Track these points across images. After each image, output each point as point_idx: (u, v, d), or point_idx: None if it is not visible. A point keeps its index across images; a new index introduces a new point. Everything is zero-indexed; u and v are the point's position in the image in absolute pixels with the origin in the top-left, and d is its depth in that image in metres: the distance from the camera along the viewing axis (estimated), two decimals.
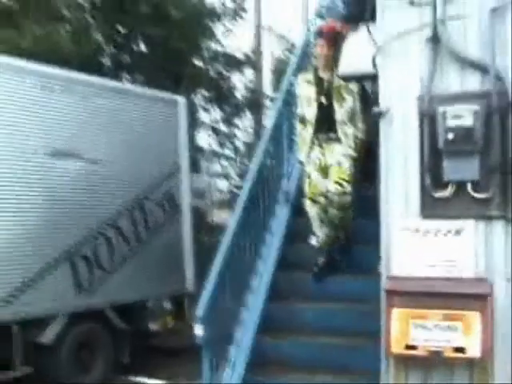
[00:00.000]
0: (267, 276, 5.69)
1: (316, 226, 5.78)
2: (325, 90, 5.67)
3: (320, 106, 5.68)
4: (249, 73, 15.98)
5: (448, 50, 3.25)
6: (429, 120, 3.23)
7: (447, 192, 3.23)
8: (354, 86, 5.59)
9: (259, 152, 6.07)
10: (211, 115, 15.32)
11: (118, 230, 8.55)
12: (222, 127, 15.71)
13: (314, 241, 5.79)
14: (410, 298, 3.19)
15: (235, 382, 5.10)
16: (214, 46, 14.33)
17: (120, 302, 8.43)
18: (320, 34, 5.75)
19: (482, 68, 3.19)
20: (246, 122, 16.28)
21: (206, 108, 15.03)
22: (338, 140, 5.58)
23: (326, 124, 5.65)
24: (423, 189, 3.27)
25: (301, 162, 5.85)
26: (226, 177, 15.86)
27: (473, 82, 3.23)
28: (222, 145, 15.85)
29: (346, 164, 5.54)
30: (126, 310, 8.59)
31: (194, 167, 13.83)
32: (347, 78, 5.01)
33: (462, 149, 3.14)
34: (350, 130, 5.61)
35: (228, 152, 16.11)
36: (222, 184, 15.12)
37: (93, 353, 8.15)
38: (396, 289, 3.25)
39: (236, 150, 16.44)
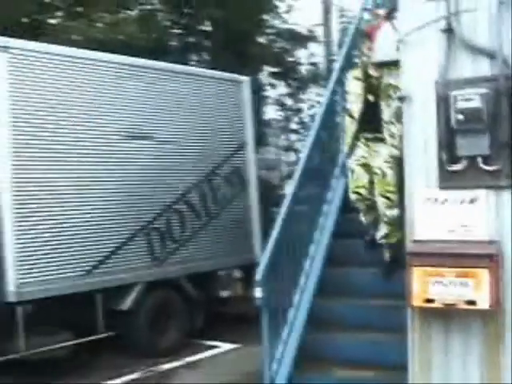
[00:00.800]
0: (323, 243, 6.23)
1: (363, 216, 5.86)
2: (373, 87, 5.71)
3: (367, 103, 5.76)
4: (313, 47, 16.32)
5: (461, 40, 3.71)
6: (444, 103, 3.71)
7: (461, 166, 3.71)
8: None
9: (315, 125, 6.48)
10: (277, 90, 15.77)
11: (189, 205, 9.29)
12: (289, 102, 16.16)
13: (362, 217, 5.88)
14: (429, 259, 3.71)
15: (293, 341, 5.72)
16: (277, 22, 14.76)
17: (193, 271, 9.20)
18: (367, 35, 5.87)
19: (490, 55, 3.64)
20: (311, 95, 16.66)
21: (272, 84, 15.51)
22: (383, 140, 5.63)
23: (372, 123, 5.71)
24: (440, 163, 3.76)
25: (346, 154, 5.96)
26: (294, 150, 16.33)
27: (483, 68, 3.68)
28: (288, 119, 16.30)
29: (389, 172, 5.53)
30: (198, 278, 9.33)
31: (263, 141, 14.43)
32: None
33: (472, 127, 3.61)
34: (396, 130, 5.54)
35: (295, 126, 16.56)
36: (290, 157, 15.60)
37: (168, 318, 9.03)
38: (417, 251, 3.78)
39: (302, 123, 16.86)
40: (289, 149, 15.83)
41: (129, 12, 11.85)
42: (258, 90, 12.90)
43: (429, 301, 3.68)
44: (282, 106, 15.81)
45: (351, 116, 5.86)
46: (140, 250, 8.59)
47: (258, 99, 13.22)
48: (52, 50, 7.98)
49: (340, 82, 6.62)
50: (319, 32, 15.92)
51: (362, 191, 5.72)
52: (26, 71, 7.58)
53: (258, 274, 5.31)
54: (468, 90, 3.62)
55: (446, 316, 3.76)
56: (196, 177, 9.43)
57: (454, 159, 3.73)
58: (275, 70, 14.90)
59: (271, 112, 15.72)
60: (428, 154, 3.82)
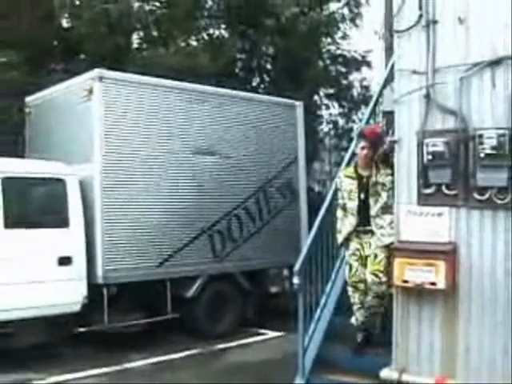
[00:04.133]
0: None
1: (356, 309, 6.79)
2: (364, 185, 6.62)
3: (360, 200, 6.62)
4: (365, 71, 18.07)
5: (435, 103, 5.60)
6: (421, 146, 5.60)
7: (431, 190, 5.58)
8: (389, 182, 6.46)
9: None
10: (331, 111, 17.57)
11: (246, 212, 11.12)
12: (341, 121, 17.92)
13: (353, 320, 6.87)
14: (407, 253, 5.59)
15: (323, 321, 7.47)
16: (333, 48, 16.59)
17: (247, 268, 11.00)
18: (362, 136, 6.80)
19: (454, 113, 5.51)
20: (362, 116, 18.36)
21: (326, 105, 17.34)
22: (372, 232, 6.51)
23: (364, 218, 6.59)
24: (418, 187, 5.64)
25: (341, 245, 6.86)
26: None
27: (449, 123, 5.54)
28: (340, 137, 18.06)
29: (382, 255, 6.44)
30: (252, 275, 11.13)
31: (316, 157, 16.26)
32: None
33: (438, 164, 5.49)
34: (383, 222, 6.45)
35: (346, 143, 18.28)
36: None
37: (224, 307, 10.73)
38: (399, 247, 5.68)
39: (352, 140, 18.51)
40: (340, 164, 17.46)
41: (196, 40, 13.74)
42: (313, 111, 14.68)
43: (405, 281, 5.57)
44: (334, 125, 17.60)
45: (344, 209, 6.76)
46: (204, 248, 10.55)
47: (314, 119, 15.02)
48: (137, 80, 10.02)
49: None
50: (371, 57, 17.69)
51: (360, 285, 6.64)
52: (115, 98, 9.63)
53: (297, 265, 6.91)
54: (436, 138, 5.50)
55: (419, 293, 5.63)
56: (253, 187, 11.35)
57: (427, 185, 5.60)
58: (330, 91, 16.73)
59: (325, 131, 17.46)
60: (410, 181, 5.71)
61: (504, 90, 5.28)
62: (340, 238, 6.82)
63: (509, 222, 5.27)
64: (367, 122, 8.19)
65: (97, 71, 9.55)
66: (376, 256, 6.52)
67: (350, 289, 6.82)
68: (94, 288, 9.36)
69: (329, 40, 16.32)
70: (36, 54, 13.11)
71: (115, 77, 9.81)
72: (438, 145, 5.48)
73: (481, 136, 5.30)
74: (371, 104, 8.04)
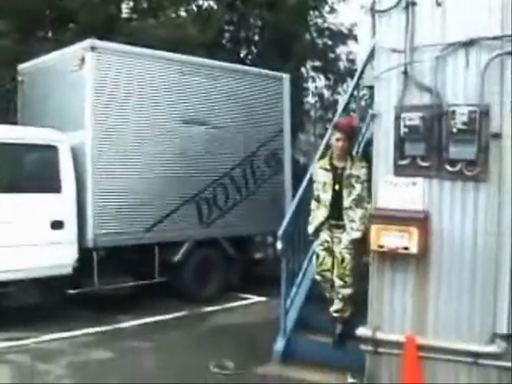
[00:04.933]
0: None
1: (328, 297, 7.06)
2: (338, 177, 6.76)
3: (334, 192, 6.78)
4: (352, 45, 18.43)
5: (412, 80, 6.01)
6: (398, 120, 6.02)
7: (407, 161, 6.01)
8: (363, 174, 6.69)
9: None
10: (317, 83, 17.95)
11: (232, 180, 11.55)
12: (326, 93, 18.31)
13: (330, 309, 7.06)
14: (383, 219, 6.02)
15: (306, 283, 7.82)
16: (320, 21, 16.94)
17: (232, 234, 11.46)
18: (337, 127, 6.96)
19: (429, 90, 5.93)
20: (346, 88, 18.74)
21: (312, 77, 17.71)
22: (344, 227, 6.72)
23: (336, 210, 6.78)
24: (395, 159, 6.08)
25: (310, 235, 7.05)
26: None
27: (425, 99, 5.96)
28: (326, 109, 18.46)
29: (348, 257, 6.72)
30: (237, 241, 11.57)
31: (301, 129, 16.65)
32: None
33: (414, 137, 5.92)
34: (355, 215, 6.66)
35: (331, 116, 18.71)
36: None
37: (210, 272, 11.20)
38: (376, 214, 6.11)
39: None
40: (323, 136, 17.90)
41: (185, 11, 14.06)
42: (300, 83, 15.03)
43: (380, 246, 6.03)
44: (320, 97, 17.97)
45: (318, 200, 6.93)
46: (190, 214, 11.00)
47: (300, 90, 15.37)
48: (128, 50, 10.36)
49: None
50: (358, 31, 18.07)
51: (327, 274, 6.91)
52: (107, 68, 9.95)
53: (280, 230, 7.39)
54: (413, 113, 5.93)
55: (393, 259, 6.09)
56: (240, 157, 11.77)
57: (403, 157, 6.03)
58: (316, 64, 17.08)
59: (311, 102, 17.86)
60: (388, 153, 6.13)
61: (476, 69, 5.72)
62: (311, 228, 7.01)
63: (477, 192, 5.73)
64: (351, 96, 8.60)
65: (89, 41, 9.87)
66: (343, 260, 6.78)
67: (317, 277, 7.09)
68: (84, 251, 9.78)
69: (316, 13, 16.66)
70: (27, 22, 13.36)
71: (107, 47, 10.14)
72: (414, 119, 5.90)
73: (453, 112, 5.74)
74: (354, 80, 8.44)
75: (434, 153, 5.91)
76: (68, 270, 9.57)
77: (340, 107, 8.65)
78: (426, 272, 6.00)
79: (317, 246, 7.01)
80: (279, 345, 7.43)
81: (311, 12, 16.26)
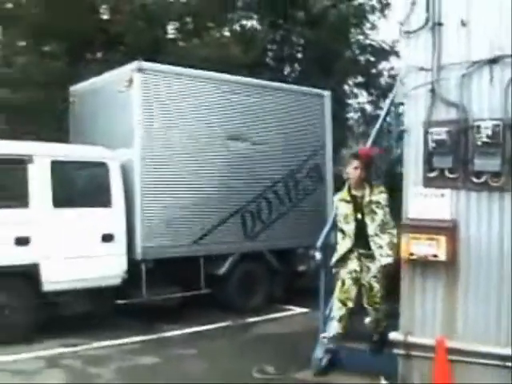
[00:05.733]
0: None
1: (335, 320, 7.22)
2: (359, 205, 6.93)
3: (357, 221, 6.94)
4: (393, 60, 18.74)
5: (439, 96, 6.41)
6: (426, 135, 6.42)
7: (435, 173, 6.40)
8: (383, 199, 6.92)
9: None
10: (359, 99, 18.29)
11: (275, 194, 11.97)
12: (369, 109, 18.63)
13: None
14: (414, 229, 6.41)
15: None
16: (362, 38, 17.30)
17: (276, 247, 11.86)
18: (356, 156, 7.14)
19: (456, 106, 6.32)
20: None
21: (355, 93, 18.08)
22: (373, 256, 6.87)
23: (362, 239, 6.92)
24: (424, 172, 6.47)
25: (332, 265, 7.22)
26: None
27: (451, 114, 6.35)
28: (368, 124, 18.77)
29: (377, 286, 6.93)
30: (280, 254, 11.96)
31: (344, 144, 17.03)
32: None
33: (441, 151, 6.31)
34: (382, 241, 6.83)
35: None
36: None
37: (254, 284, 11.60)
38: (407, 224, 6.51)
39: None
40: None
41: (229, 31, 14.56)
42: (342, 99, 15.41)
43: (411, 254, 6.41)
44: (362, 112, 18.30)
45: (342, 232, 7.09)
46: (235, 228, 11.48)
47: (343, 107, 15.76)
48: (174, 71, 10.94)
49: None
50: (399, 47, 18.32)
51: (349, 303, 7.06)
52: (154, 88, 10.54)
53: (318, 242, 7.79)
54: (440, 128, 6.32)
55: (423, 265, 6.46)
56: (283, 172, 12.20)
57: (431, 169, 6.42)
58: (359, 80, 17.45)
59: (354, 118, 18.18)
60: (417, 166, 6.54)
61: (499, 85, 6.08)
62: (334, 258, 7.20)
63: (502, 201, 6.08)
64: (384, 120, 8.92)
65: (136, 63, 10.46)
66: (371, 288, 6.99)
67: (337, 303, 7.18)
68: (133, 263, 10.35)
69: (358, 30, 17.07)
70: (77, 45, 14.08)
71: (153, 68, 10.73)
72: (441, 134, 6.30)
73: (478, 126, 6.12)
74: (390, 97, 8.84)
75: (460, 165, 6.28)
76: (117, 281, 10.14)
77: (378, 123, 8.87)
78: (455, 278, 6.35)
79: (345, 274, 7.10)
80: (318, 352, 7.74)
81: (352, 29, 16.68)
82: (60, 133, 12.32)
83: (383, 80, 18.36)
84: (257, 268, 11.83)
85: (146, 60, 10.78)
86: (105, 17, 14.94)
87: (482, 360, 6.15)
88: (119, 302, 10.37)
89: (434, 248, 6.28)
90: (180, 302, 11.51)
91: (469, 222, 6.29)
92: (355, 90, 18.06)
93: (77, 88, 12.01)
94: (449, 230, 6.27)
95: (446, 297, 6.41)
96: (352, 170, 7.06)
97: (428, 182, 6.48)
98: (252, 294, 11.74)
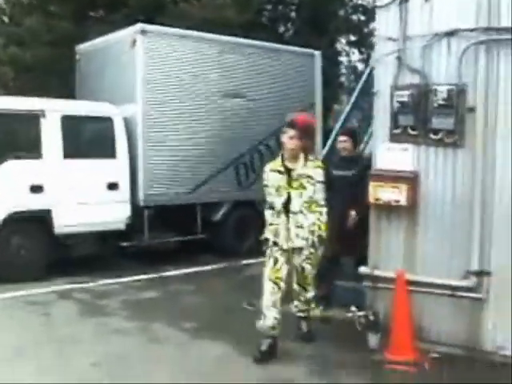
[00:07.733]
0: None
1: (265, 308, 6.86)
2: (292, 179, 6.49)
3: (289, 195, 6.54)
4: None
5: (404, 63, 7.48)
6: (392, 97, 7.50)
7: (399, 130, 7.49)
8: (318, 174, 6.69)
9: None
10: (351, 57, 19.15)
11: (267, 147, 13.04)
12: (360, 66, 19.49)
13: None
14: (379, 178, 7.51)
15: None
16: None
17: None
18: (292, 125, 6.66)
19: (418, 72, 7.39)
20: None
21: (347, 51, 18.95)
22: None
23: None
24: (390, 129, 7.57)
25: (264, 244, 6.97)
26: (361, 108, 19.79)
27: (414, 79, 7.42)
28: (358, 81, 19.66)
29: (308, 268, 6.77)
30: None
31: (336, 100, 17.99)
32: None
33: (404, 111, 7.40)
34: (306, 220, 6.54)
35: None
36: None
37: (247, 229, 12.60)
38: (374, 174, 7.62)
39: None
40: (357, 107, 19.23)
41: None
42: (334, 56, 16.25)
43: (377, 199, 7.55)
44: (354, 70, 19.17)
45: (272, 207, 6.74)
46: (230, 178, 12.65)
47: (334, 64, 16.64)
48: (174, 32, 11.98)
49: None
50: None
51: (281, 283, 6.73)
52: (155, 48, 11.57)
53: None
54: (404, 91, 7.40)
55: (388, 209, 7.60)
56: (274, 126, 13.10)
57: (396, 127, 7.51)
58: (351, 39, 18.29)
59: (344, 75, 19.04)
60: (385, 124, 7.63)
61: (455, 55, 7.13)
62: (266, 234, 6.96)
63: (455, 155, 7.18)
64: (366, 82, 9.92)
65: (139, 25, 11.48)
66: (303, 269, 6.83)
67: (269, 285, 6.68)
68: (136, 210, 11.52)
69: None
70: (82, 6, 14.99)
71: (155, 30, 11.77)
72: (405, 96, 7.37)
73: (436, 90, 7.18)
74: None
75: (420, 123, 7.35)
76: (122, 226, 11.32)
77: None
78: (415, 221, 7.47)
79: (276, 251, 6.79)
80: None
81: None
82: (66, 89, 13.27)
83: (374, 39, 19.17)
84: (249, 215, 12.83)
85: (147, 21, 11.74)
86: None
87: (437, 290, 7.30)
88: (123, 244, 11.57)
89: (396, 194, 7.39)
90: (178, 246, 12.71)
91: (427, 172, 7.36)
92: (347, 49, 19.02)
93: (83, 47, 13.05)
94: (410, 179, 7.36)
95: (407, 236, 7.53)
96: (287, 140, 6.58)
97: (393, 138, 7.55)
98: (245, 238, 12.80)
